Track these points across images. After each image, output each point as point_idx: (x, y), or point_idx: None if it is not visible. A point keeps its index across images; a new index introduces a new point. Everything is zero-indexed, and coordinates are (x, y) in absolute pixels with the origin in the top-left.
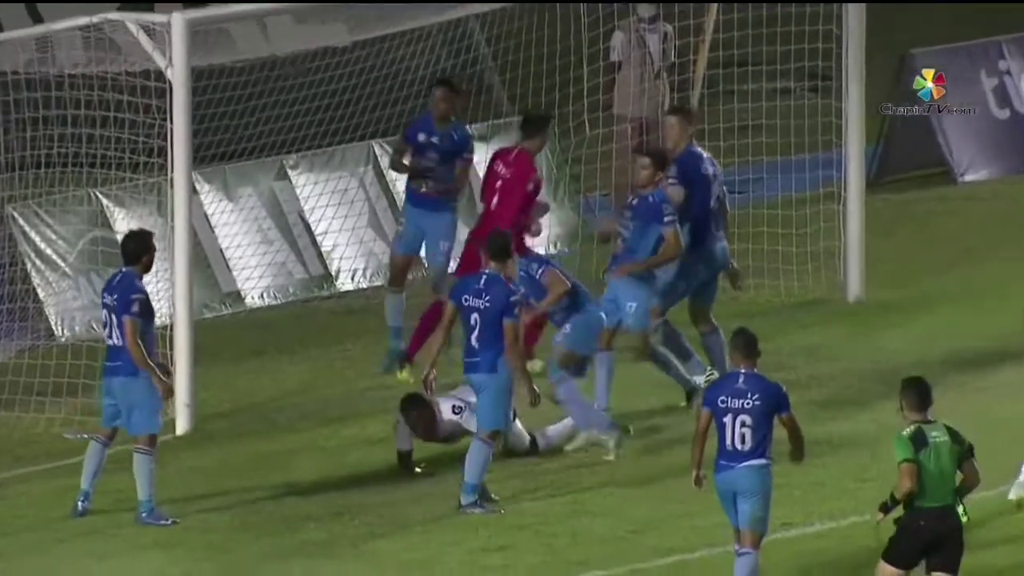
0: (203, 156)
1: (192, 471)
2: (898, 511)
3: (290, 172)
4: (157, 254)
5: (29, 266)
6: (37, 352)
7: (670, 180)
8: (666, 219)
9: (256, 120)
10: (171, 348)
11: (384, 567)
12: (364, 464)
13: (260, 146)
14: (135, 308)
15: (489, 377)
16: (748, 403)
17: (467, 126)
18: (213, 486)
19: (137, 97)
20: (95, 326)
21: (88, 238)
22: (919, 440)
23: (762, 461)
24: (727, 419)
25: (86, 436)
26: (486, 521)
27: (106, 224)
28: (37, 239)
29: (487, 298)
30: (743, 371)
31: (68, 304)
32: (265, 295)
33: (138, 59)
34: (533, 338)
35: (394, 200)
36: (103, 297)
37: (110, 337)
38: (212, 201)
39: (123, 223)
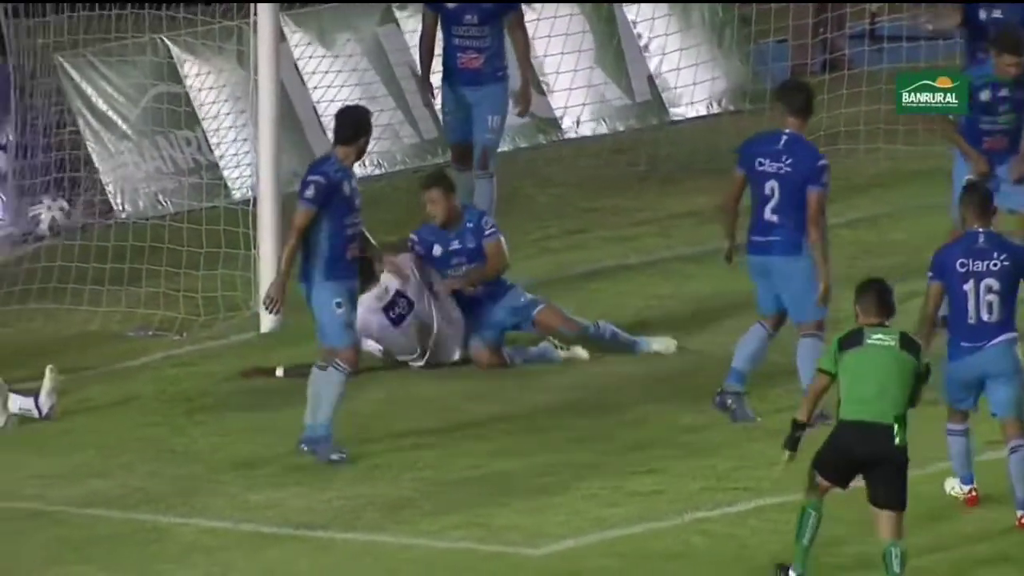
0: None
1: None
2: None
3: (398, 14)
4: (237, 112)
5: (82, 127)
6: (92, 232)
7: None
8: None
9: None
10: (254, 227)
11: (510, 491)
12: (477, 369)
13: None
14: (308, 192)
15: (792, 260)
16: (996, 263)
17: None
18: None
19: None
20: (162, 200)
21: (153, 94)
22: (851, 339)
23: (1015, 335)
24: (968, 286)
25: (151, 334)
26: (635, 439)
27: (174, 77)
28: (92, 94)
29: (788, 161)
30: (981, 230)
31: (129, 173)
32: (368, 163)
33: None
34: None
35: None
36: None
37: None
38: (304, 50)
39: (195, 76)
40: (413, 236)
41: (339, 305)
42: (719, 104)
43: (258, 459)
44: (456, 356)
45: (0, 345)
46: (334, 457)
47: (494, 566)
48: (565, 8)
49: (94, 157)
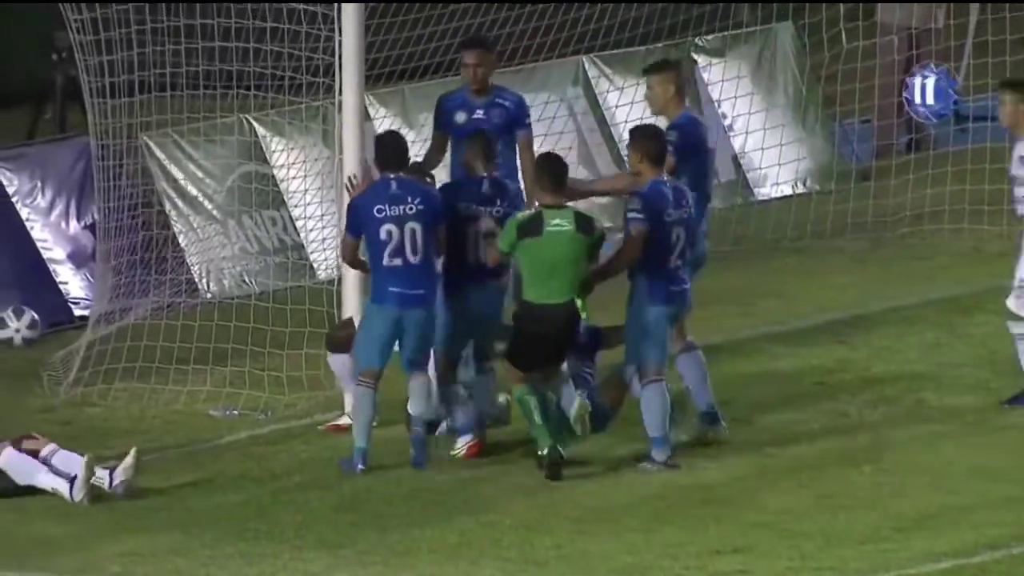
0: (378, 75)
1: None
2: None
3: None
4: (323, 192)
5: (168, 207)
6: (177, 311)
7: None
8: None
9: (441, 31)
10: (338, 307)
11: (594, 572)
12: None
13: (445, 63)
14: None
15: None
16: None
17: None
18: (396, 484)
19: (299, 3)
20: (247, 280)
21: (239, 173)
22: (531, 227)
23: None
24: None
25: (236, 413)
26: (719, 517)
27: (261, 157)
28: (178, 174)
29: (687, 205)
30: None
31: (215, 253)
32: None
33: None
34: None
35: (604, 121)
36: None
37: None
38: (389, 128)
39: (281, 155)
40: None
41: None
42: (804, 184)
43: (343, 539)
44: None
45: (87, 424)
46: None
47: None
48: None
49: (180, 237)
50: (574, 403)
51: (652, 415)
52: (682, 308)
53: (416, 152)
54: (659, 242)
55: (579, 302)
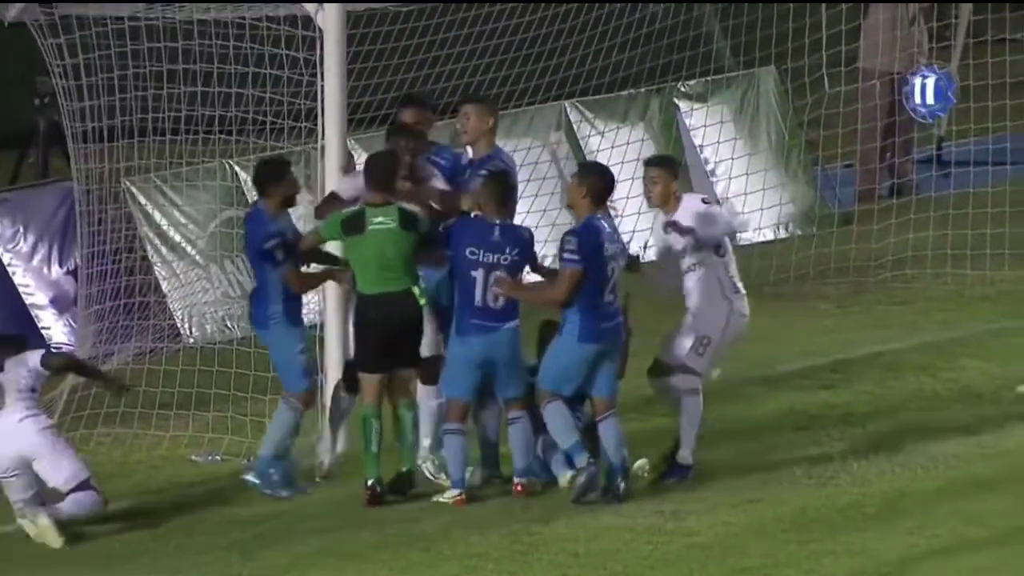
0: (360, 119)
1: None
2: None
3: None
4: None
5: (150, 252)
6: (160, 356)
7: None
8: None
9: (425, 76)
10: (321, 351)
11: None
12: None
13: (430, 108)
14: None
15: None
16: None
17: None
18: (380, 528)
19: (281, 48)
20: (229, 325)
21: (222, 219)
22: (353, 224)
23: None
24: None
25: (219, 458)
26: (703, 563)
27: (243, 202)
28: (160, 220)
29: (620, 239)
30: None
31: (197, 299)
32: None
33: (283, 3)
34: None
35: None
36: None
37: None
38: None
39: None
40: None
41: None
42: (786, 229)
43: None
44: None
45: None
46: None
47: None
48: (635, 133)
49: (162, 282)
50: (562, 476)
51: (557, 429)
52: (615, 344)
53: None
54: (595, 276)
55: (416, 290)
